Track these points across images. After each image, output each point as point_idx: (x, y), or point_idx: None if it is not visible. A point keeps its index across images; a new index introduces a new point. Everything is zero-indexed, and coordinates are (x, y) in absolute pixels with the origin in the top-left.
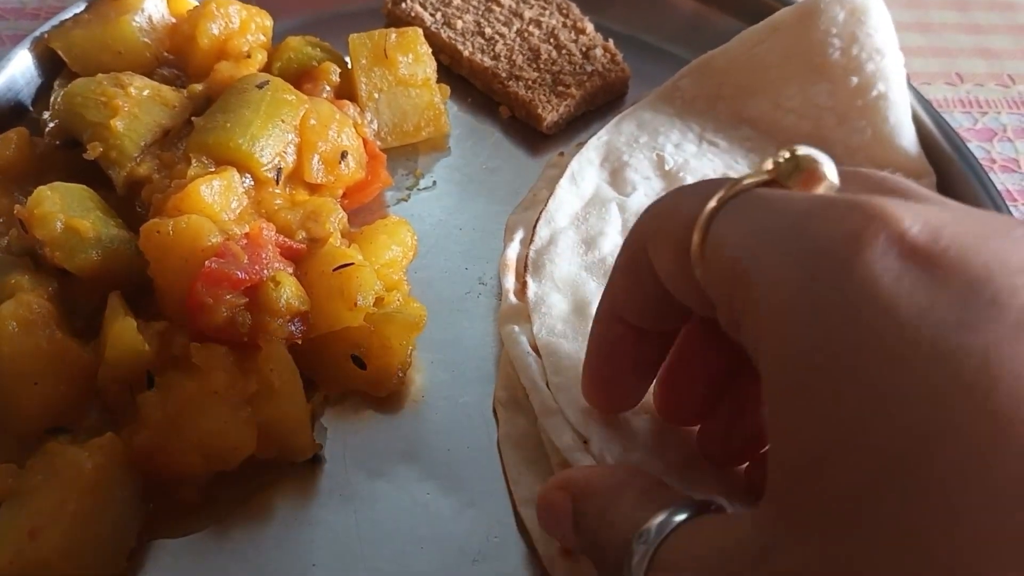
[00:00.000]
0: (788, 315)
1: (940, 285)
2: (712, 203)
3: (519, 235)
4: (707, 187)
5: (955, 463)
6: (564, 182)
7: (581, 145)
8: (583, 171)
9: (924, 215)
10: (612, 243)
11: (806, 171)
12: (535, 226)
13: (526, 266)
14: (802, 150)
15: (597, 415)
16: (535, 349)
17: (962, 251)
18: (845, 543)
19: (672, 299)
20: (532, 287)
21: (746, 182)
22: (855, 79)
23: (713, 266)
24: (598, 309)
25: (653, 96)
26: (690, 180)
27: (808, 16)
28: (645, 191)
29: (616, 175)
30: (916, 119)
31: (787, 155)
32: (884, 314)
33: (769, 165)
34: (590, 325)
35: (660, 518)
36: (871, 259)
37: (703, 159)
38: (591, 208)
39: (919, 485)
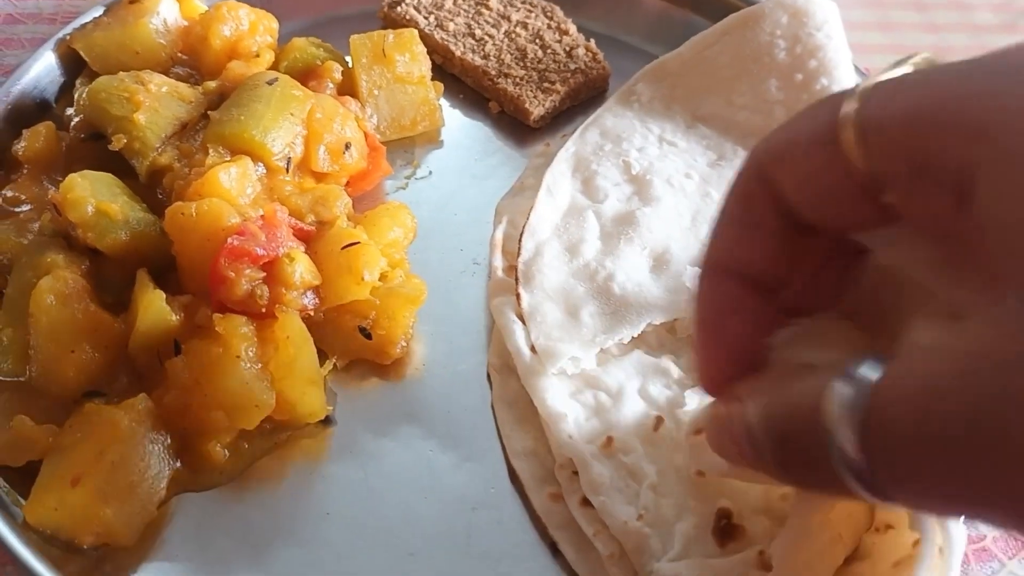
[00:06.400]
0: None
1: None
2: (853, 104)
3: (507, 218)
4: (823, 105)
5: None
6: (542, 195)
7: (566, 137)
8: (557, 183)
9: None
10: (593, 248)
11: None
12: (520, 239)
13: (517, 279)
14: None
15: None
16: (520, 318)
17: None
18: None
19: (790, 234)
20: (526, 298)
21: (880, 78)
22: (799, 75)
23: (888, 145)
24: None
25: (612, 101)
26: (657, 181)
27: (754, 20)
28: (617, 196)
29: (588, 184)
30: None
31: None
32: None
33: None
34: (584, 328)
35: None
36: None
37: (665, 160)
38: (569, 218)
39: None
